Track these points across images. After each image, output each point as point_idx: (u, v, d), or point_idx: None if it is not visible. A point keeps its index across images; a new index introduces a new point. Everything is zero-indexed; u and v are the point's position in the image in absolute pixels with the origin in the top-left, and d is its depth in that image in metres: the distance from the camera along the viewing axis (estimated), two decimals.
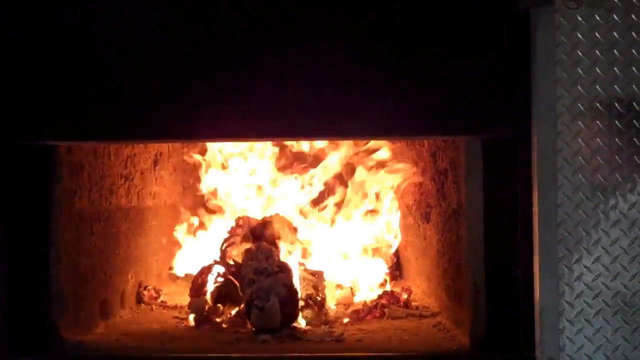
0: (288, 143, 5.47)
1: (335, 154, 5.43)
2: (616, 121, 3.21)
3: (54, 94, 3.43)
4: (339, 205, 5.41)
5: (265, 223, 4.54)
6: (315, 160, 5.57)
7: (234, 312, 4.29)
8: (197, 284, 4.47)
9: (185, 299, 4.63)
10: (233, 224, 4.76)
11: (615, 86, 3.20)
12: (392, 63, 3.42)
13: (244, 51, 3.42)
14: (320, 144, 5.43)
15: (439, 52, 3.42)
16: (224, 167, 5.55)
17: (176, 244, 5.55)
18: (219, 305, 4.35)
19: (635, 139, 3.21)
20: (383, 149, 5.24)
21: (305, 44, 3.41)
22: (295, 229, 4.57)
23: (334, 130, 3.55)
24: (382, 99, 3.42)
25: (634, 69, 3.20)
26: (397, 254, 5.53)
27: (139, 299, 4.81)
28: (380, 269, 5.15)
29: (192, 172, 5.74)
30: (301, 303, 4.22)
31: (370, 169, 5.29)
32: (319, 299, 4.33)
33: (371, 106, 3.42)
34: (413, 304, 4.62)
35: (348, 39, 3.41)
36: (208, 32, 3.42)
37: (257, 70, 3.41)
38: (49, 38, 3.43)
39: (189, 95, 3.42)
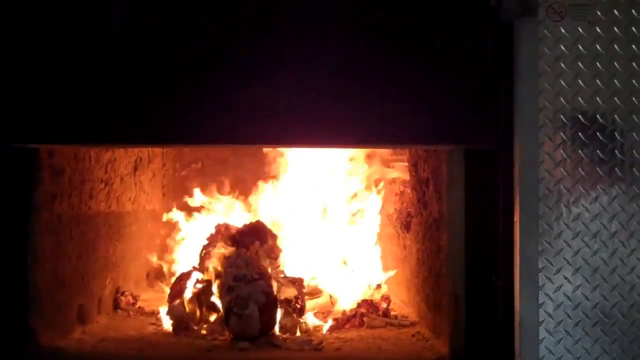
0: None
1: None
2: (598, 133, 3.23)
3: (38, 96, 3.41)
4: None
5: (245, 230, 4.52)
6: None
7: (212, 319, 4.26)
8: (175, 290, 4.44)
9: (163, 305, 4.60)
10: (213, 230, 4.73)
11: (598, 98, 3.23)
12: (376, 73, 3.42)
13: (229, 59, 3.41)
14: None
15: (423, 62, 3.43)
16: None
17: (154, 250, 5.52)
18: (198, 312, 4.31)
19: (616, 151, 3.23)
20: None
21: (293, 52, 3.41)
22: (275, 236, 4.55)
23: (318, 138, 3.53)
24: (366, 108, 3.42)
25: (616, 81, 3.22)
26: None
27: (116, 305, 4.78)
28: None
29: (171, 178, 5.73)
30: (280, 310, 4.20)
31: None
32: (298, 306, 4.31)
33: (354, 115, 3.42)
34: (392, 313, 4.61)
35: (333, 48, 3.42)
36: (197, 37, 3.41)
37: (242, 78, 3.40)
38: (32, 42, 3.40)
39: (173, 99, 3.41)
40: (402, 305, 4.88)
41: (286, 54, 3.40)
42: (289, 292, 4.30)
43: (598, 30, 3.22)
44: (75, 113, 3.41)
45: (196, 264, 4.53)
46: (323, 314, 4.56)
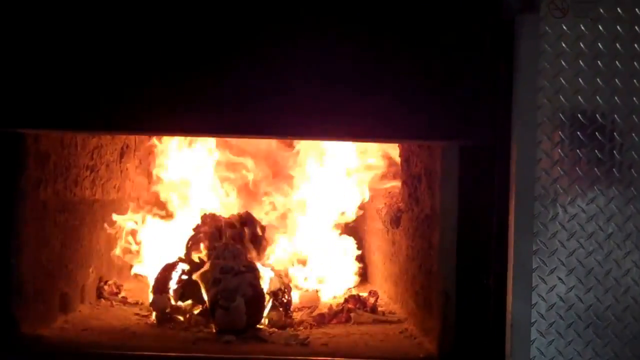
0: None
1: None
2: (597, 133, 3.19)
3: (22, 80, 3.34)
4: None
5: (233, 221, 4.46)
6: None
7: (197, 311, 4.20)
8: (160, 281, 4.37)
9: (147, 296, 4.54)
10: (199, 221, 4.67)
11: (598, 97, 3.19)
12: (371, 67, 3.37)
13: (220, 46, 3.35)
14: None
15: (420, 56, 3.38)
16: None
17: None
18: (182, 303, 4.25)
19: (615, 152, 3.19)
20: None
21: (287, 44, 3.35)
22: (264, 228, 4.50)
23: (310, 131, 3.49)
24: (360, 101, 3.37)
25: (617, 81, 3.18)
26: (363, 257, 5.48)
27: (99, 294, 4.70)
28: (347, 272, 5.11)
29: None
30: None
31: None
32: (285, 300, 4.25)
33: (348, 108, 3.37)
34: (379, 309, 4.56)
35: (329, 41, 3.36)
36: (185, 24, 3.35)
37: (232, 68, 3.35)
38: (17, 25, 3.33)
39: (162, 87, 3.35)
40: (389, 301, 4.83)
41: (283, 45, 3.35)
42: (276, 286, 4.25)
43: (600, 28, 3.17)
44: (62, 98, 3.34)
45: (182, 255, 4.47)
46: (309, 308, 4.50)
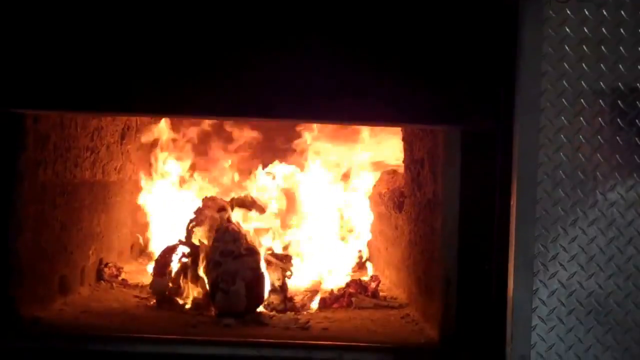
0: None
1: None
2: (599, 118, 3.16)
3: (22, 60, 3.31)
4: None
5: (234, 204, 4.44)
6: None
7: (197, 294, 4.18)
8: (160, 263, 4.35)
9: (147, 278, 4.53)
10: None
11: (601, 83, 3.15)
12: (374, 50, 3.34)
13: (226, 29, 3.33)
14: None
15: (423, 40, 3.35)
16: None
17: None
18: (182, 286, 4.24)
19: (617, 137, 3.16)
20: None
21: (297, 33, 3.34)
22: (264, 211, 4.48)
23: (314, 113, 3.46)
24: (363, 85, 3.35)
25: (620, 66, 3.14)
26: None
27: (99, 276, 4.69)
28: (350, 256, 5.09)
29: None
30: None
31: None
32: (285, 284, 4.23)
33: (351, 92, 3.35)
34: (381, 294, 4.54)
35: (334, 27, 3.34)
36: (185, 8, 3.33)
37: (242, 50, 3.33)
38: (18, 5, 3.30)
39: (164, 68, 3.33)
40: (392, 286, 4.82)
41: (294, 34, 3.34)
42: (277, 270, 4.23)
43: (604, 12, 3.13)
44: (62, 78, 3.31)
45: (182, 237, 4.45)
46: (311, 292, 4.49)
